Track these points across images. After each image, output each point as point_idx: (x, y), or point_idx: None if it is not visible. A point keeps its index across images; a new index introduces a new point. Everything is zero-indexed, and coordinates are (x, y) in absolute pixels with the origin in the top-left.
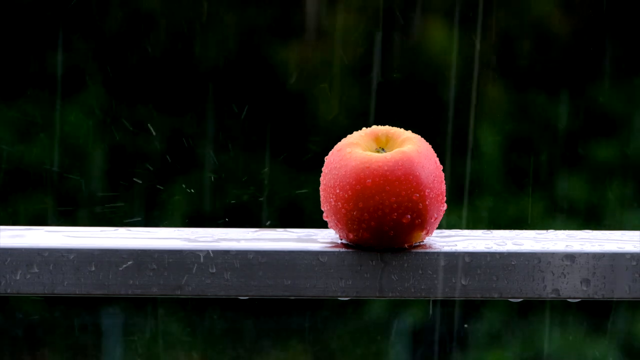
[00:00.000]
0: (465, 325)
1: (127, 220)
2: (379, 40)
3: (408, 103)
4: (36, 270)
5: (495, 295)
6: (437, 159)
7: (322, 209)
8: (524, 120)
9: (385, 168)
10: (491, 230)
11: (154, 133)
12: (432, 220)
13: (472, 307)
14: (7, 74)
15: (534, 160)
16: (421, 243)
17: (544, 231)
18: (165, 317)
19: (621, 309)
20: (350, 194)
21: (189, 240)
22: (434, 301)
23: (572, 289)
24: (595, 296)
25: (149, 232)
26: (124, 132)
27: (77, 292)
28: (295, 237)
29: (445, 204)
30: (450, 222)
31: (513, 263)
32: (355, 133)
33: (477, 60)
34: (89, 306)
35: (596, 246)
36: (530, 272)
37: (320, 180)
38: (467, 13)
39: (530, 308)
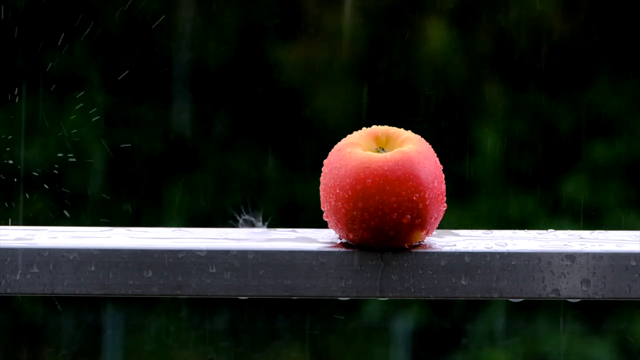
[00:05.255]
0: (465, 325)
1: (127, 220)
2: (379, 39)
3: (408, 103)
4: (36, 270)
5: (495, 295)
6: (437, 159)
7: (322, 209)
8: (524, 120)
9: (386, 168)
10: (491, 230)
11: (153, 133)
12: (432, 220)
13: (472, 307)
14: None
15: (534, 160)
16: (421, 243)
17: (544, 231)
18: (166, 316)
19: (621, 309)
20: (350, 193)
21: (188, 240)
22: (434, 301)
23: (572, 289)
24: (595, 296)
25: (148, 232)
26: (124, 131)
27: (77, 292)
28: (295, 237)
29: (446, 204)
30: (450, 222)
31: (513, 263)
32: (355, 133)
33: (476, 60)
34: (89, 306)
35: (596, 246)
36: (530, 272)
37: (320, 180)
38: (467, 12)
39: (530, 308)
